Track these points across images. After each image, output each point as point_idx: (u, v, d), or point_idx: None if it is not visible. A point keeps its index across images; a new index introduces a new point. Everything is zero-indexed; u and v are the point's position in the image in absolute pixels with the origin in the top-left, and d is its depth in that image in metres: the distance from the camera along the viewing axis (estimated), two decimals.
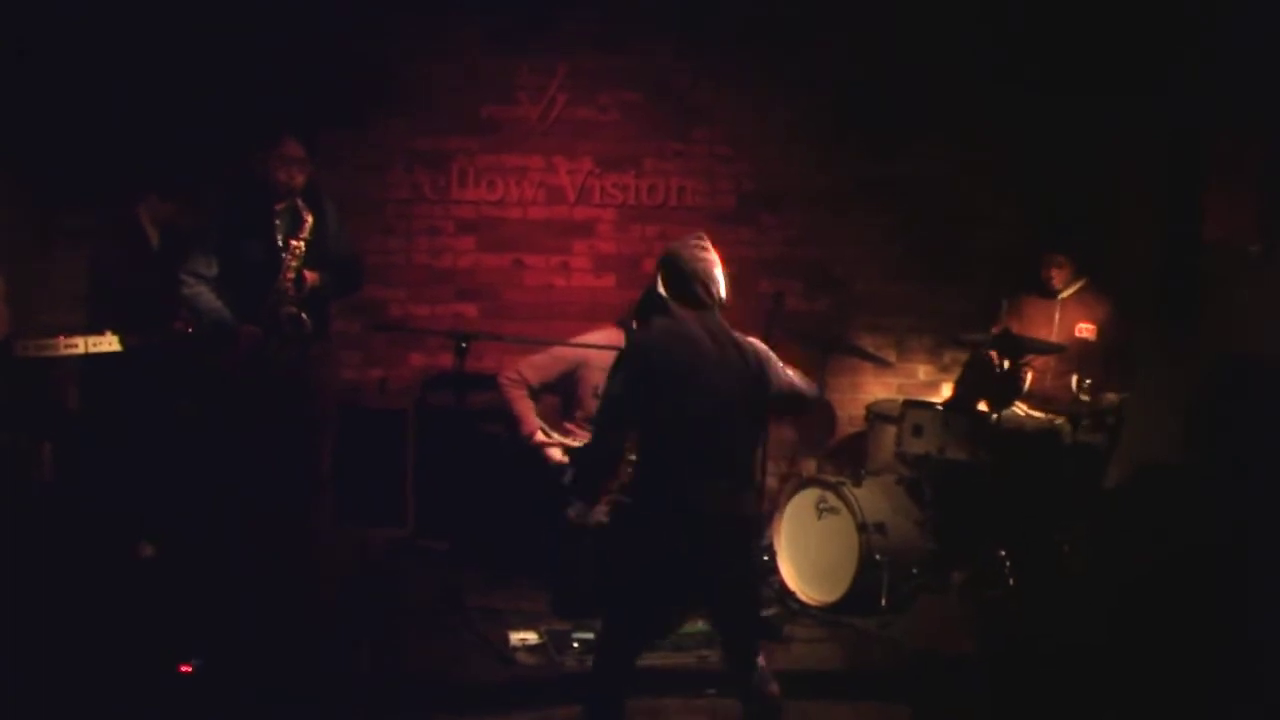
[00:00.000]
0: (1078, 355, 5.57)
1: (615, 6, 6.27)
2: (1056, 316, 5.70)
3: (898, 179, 6.44)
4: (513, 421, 5.22)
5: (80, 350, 4.91)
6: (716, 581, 3.65)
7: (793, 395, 3.84)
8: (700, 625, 4.76)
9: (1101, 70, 6.16)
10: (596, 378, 5.21)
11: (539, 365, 5.27)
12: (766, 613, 4.79)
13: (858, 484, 5.32)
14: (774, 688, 3.67)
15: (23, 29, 5.61)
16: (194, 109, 5.88)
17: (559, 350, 5.29)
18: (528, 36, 6.25)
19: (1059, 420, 5.54)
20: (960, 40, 6.30)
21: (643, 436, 3.69)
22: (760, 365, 3.71)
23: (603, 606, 3.88)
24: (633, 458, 4.27)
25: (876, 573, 5.08)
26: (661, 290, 3.71)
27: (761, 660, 3.67)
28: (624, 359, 3.74)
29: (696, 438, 3.57)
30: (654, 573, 3.62)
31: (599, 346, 5.17)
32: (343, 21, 6.09)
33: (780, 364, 3.82)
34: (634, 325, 5.07)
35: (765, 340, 5.40)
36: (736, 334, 3.75)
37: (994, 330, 5.61)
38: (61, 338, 4.89)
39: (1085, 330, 5.67)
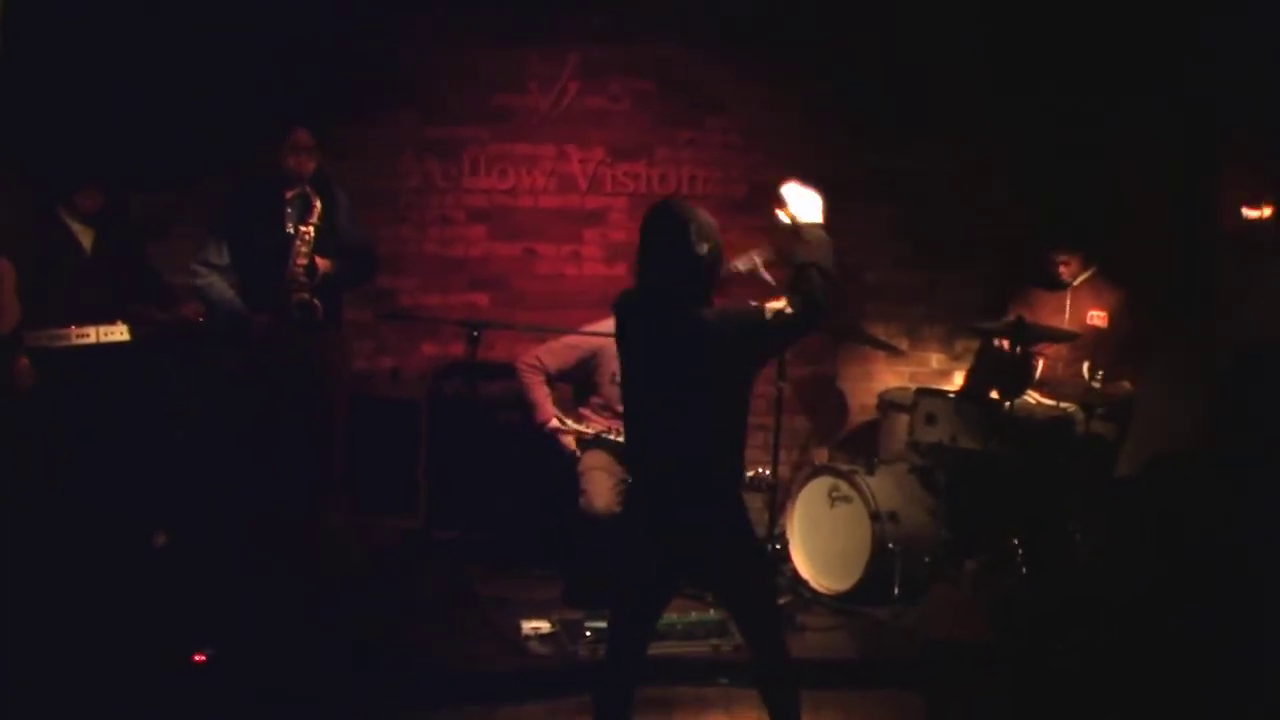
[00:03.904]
0: (1089, 343, 5.57)
1: None
2: (1067, 305, 5.70)
3: (904, 173, 6.41)
4: (529, 408, 5.22)
5: (92, 340, 4.92)
6: (701, 565, 3.60)
7: (787, 327, 3.49)
8: (712, 614, 4.77)
9: (1102, 69, 6.14)
10: (614, 365, 5.21)
11: (558, 352, 5.27)
12: (780, 601, 4.80)
13: (870, 473, 5.32)
14: (787, 670, 3.64)
15: (23, 29, 5.61)
16: (194, 109, 5.88)
17: (577, 338, 5.29)
18: (539, 26, 6.23)
19: (1071, 408, 5.53)
20: (960, 39, 6.26)
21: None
22: (729, 332, 3.44)
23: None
24: None
25: (889, 561, 5.08)
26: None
27: (784, 647, 3.64)
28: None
29: (650, 422, 3.53)
30: (632, 557, 3.57)
31: (614, 335, 5.17)
32: (345, 19, 6.08)
33: (761, 310, 3.50)
34: None
35: None
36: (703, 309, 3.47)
37: (1006, 319, 5.60)
38: (73, 328, 4.89)
39: (1097, 318, 5.67)
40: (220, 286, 5.03)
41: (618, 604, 3.65)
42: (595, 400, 5.27)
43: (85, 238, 5.15)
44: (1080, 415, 5.43)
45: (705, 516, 3.49)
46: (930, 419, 5.40)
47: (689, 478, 3.48)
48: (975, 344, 6.43)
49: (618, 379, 5.18)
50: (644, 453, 3.56)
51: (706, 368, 3.44)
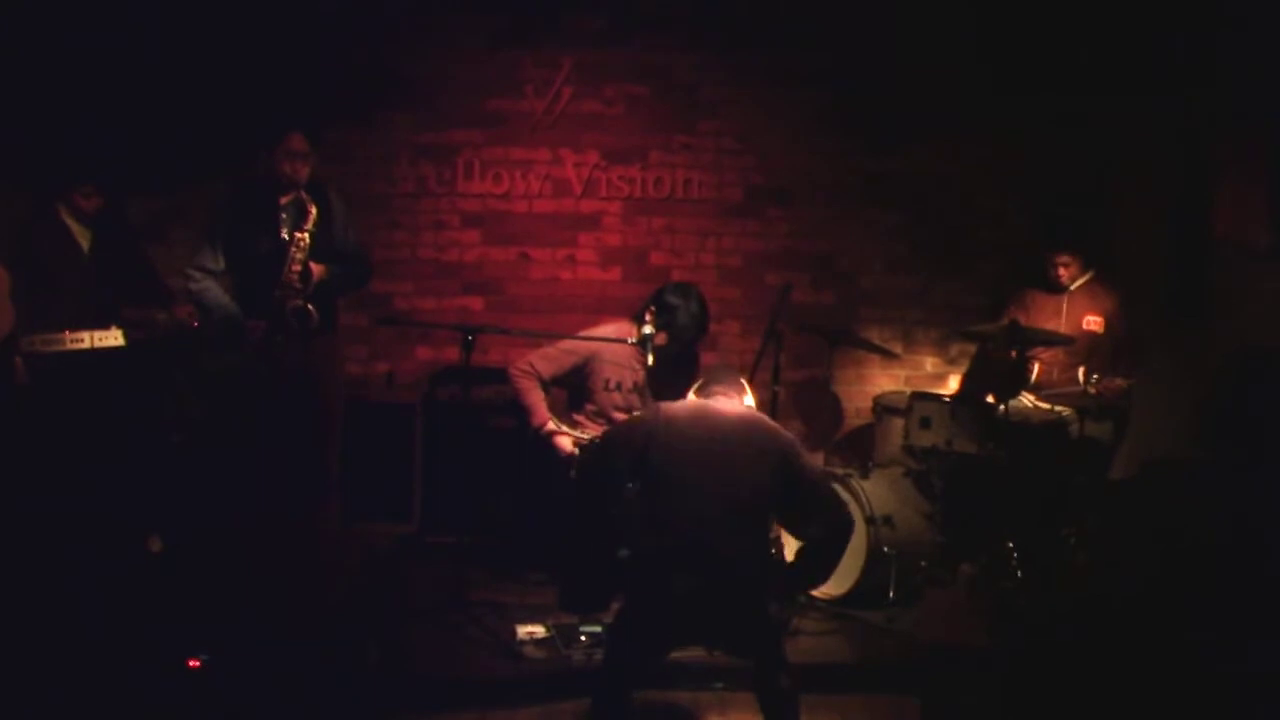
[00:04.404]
0: (1085, 348, 5.57)
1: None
2: (1064, 309, 5.70)
3: (901, 175, 6.41)
4: (524, 412, 5.20)
5: (86, 345, 4.90)
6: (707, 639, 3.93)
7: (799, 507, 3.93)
8: None
9: (1102, 69, 6.13)
10: (608, 371, 5.21)
11: (551, 357, 5.25)
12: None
13: (865, 476, 5.30)
14: (787, 680, 3.73)
15: (23, 29, 5.61)
16: (194, 109, 5.89)
17: (570, 343, 5.28)
18: (534, 29, 6.23)
19: (1066, 412, 5.52)
20: (960, 40, 6.26)
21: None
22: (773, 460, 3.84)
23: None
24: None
25: (884, 566, 5.06)
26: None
27: (783, 656, 3.76)
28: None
29: (675, 526, 3.74)
30: (638, 625, 3.83)
31: (609, 340, 5.16)
32: (344, 19, 6.09)
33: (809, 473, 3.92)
34: (646, 319, 5.05)
35: (771, 332, 5.47)
36: (761, 425, 3.94)
37: (1002, 322, 5.59)
38: (68, 333, 4.87)
39: (1093, 323, 5.67)
40: (215, 292, 5.02)
41: (621, 646, 3.89)
42: (589, 407, 5.26)
43: (84, 238, 5.15)
44: (1075, 419, 5.42)
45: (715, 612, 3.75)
46: (925, 423, 5.40)
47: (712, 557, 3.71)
48: (970, 348, 6.43)
49: (611, 385, 5.22)
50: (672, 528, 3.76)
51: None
